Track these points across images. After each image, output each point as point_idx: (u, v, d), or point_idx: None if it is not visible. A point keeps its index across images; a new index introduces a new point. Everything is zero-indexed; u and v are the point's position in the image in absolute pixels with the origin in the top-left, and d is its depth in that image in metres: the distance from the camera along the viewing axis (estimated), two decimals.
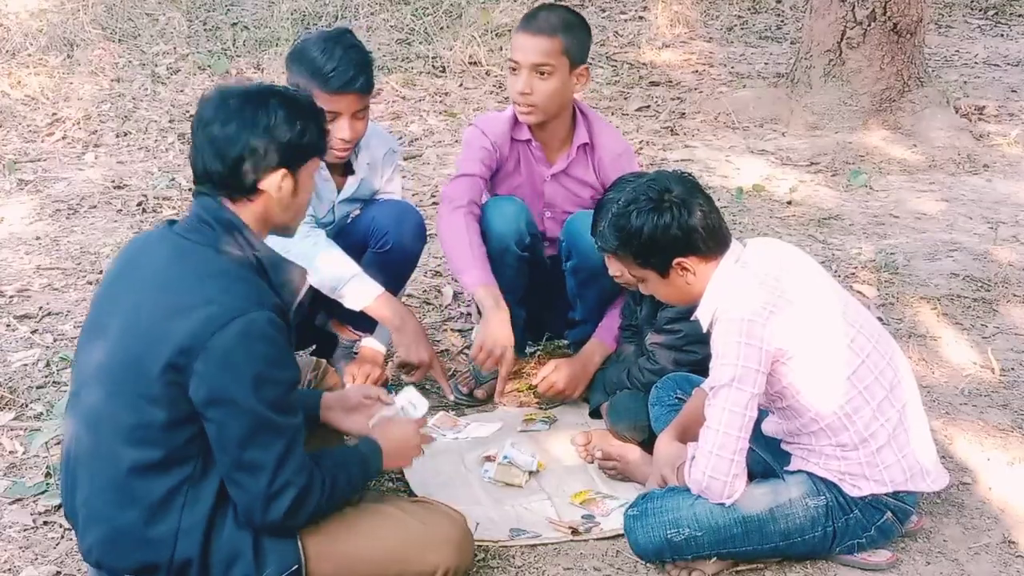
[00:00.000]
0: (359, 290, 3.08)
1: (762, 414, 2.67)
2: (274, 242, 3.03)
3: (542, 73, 3.17)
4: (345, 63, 3.03)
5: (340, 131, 3.08)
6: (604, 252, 2.71)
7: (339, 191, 3.31)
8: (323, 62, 3.03)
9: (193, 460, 2.24)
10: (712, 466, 2.51)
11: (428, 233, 3.49)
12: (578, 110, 3.34)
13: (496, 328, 3.08)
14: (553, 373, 3.32)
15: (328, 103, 3.02)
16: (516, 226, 3.26)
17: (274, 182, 2.29)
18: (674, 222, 2.52)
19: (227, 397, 2.16)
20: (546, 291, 3.48)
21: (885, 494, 2.59)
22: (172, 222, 2.37)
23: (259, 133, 2.27)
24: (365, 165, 3.32)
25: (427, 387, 3.54)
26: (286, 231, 2.41)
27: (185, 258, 2.26)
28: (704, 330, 2.61)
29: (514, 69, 3.22)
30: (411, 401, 2.68)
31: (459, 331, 3.89)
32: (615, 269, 2.97)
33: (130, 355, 2.22)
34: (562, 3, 3.55)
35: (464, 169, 3.32)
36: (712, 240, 2.56)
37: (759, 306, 2.48)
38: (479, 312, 3.30)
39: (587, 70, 3.27)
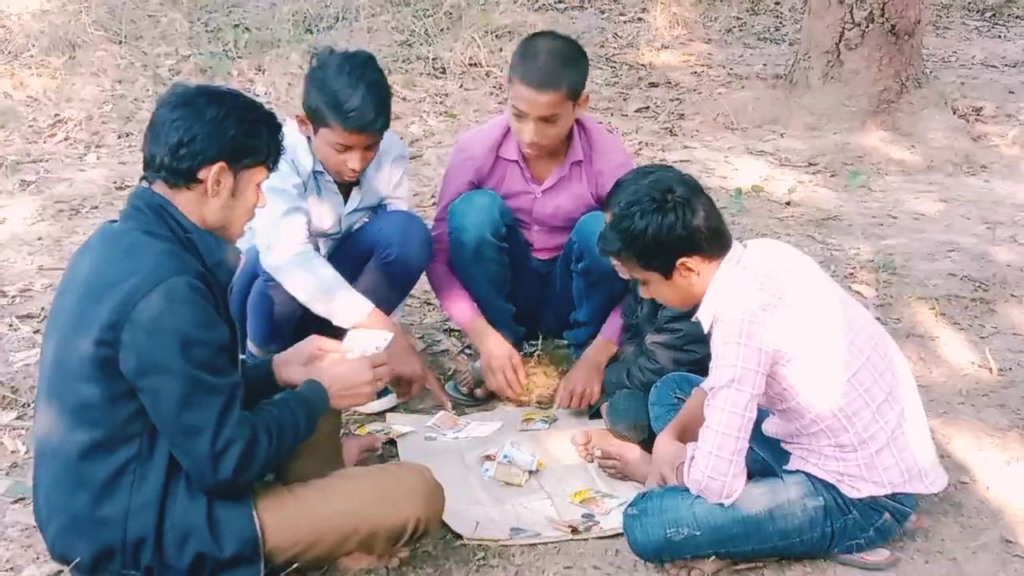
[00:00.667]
0: (350, 307, 3.07)
1: (762, 414, 2.68)
2: (263, 259, 3.07)
3: (551, 123, 3.17)
4: (367, 103, 3.00)
5: (351, 161, 3.09)
6: (607, 255, 2.71)
7: (345, 202, 3.32)
8: (345, 98, 2.99)
9: (138, 438, 2.26)
10: (711, 466, 2.52)
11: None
12: (576, 125, 3.32)
13: (495, 349, 3.29)
14: (566, 385, 3.33)
15: (344, 138, 3.03)
16: (490, 216, 3.27)
17: (212, 174, 2.31)
18: (678, 221, 2.53)
19: (157, 363, 2.19)
20: (537, 292, 3.49)
21: (883, 496, 2.60)
22: (113, 221, 2.41)
23: (203, 122, 2.30)
24: (371, 174, 3.31)
25: (427, 387, 3.56)
26: (223, 232, 2.40)
27: (113, 244, 2.31)
28: (705, 331, 2.62)
29: (518, 116, 3.18)
30: (374, 343, 2.63)
31: (459, 331, 3.90)
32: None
33: (69, 341, 2.26)
34: (559, 33, 3.46)
35: (444, 206, 3.38)
36: (715, 240, 2.57)
37: (758, 307, 2.49)
38: None
39: (587, 96, 3.25)
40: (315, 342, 2.64)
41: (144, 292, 2.19)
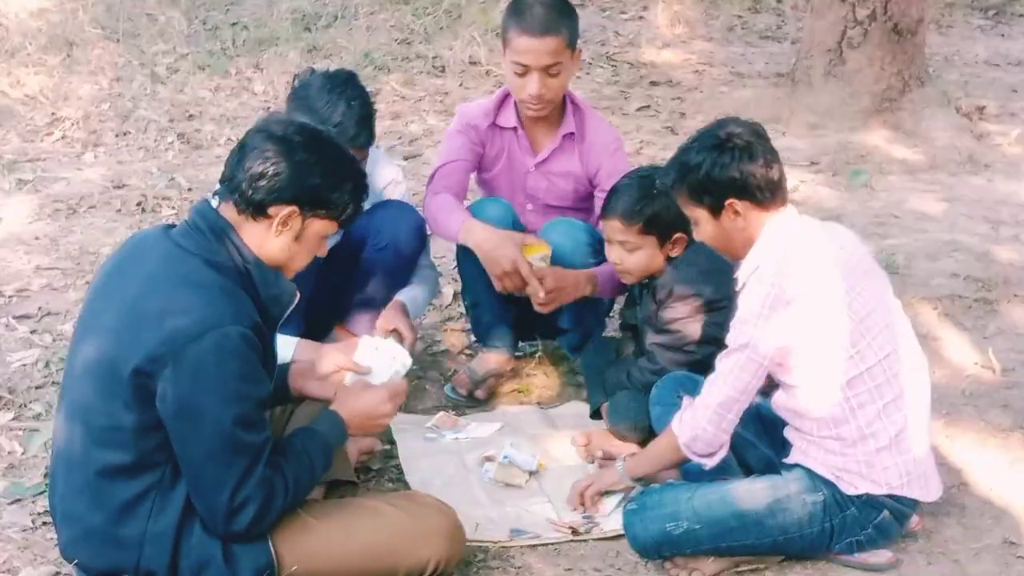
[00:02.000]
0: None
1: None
2: None
3: (552, 73, 3.15)
4: (348, 118, 3.02)
5: None
6: (664, 186, 2.69)
7: None
8: (327, 114, 3.01)
9: (163, 466, 2.25)
10: (710, 419, 2.56)
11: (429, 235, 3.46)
12: (569, 99, 3.32)
13: (493, 249, 3.08)
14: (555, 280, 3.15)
15: None
16: (503, 227, 3.24)
17: (281, 214, 2.30)
18: (733, 163, 2.53)
19: (195, 410, 2.17)
20: None
21: (881, 495, 2.60)
22: (170, 226, 2.38)
23: (291, 162, 2.28)
24: None
25: (427, 388, 3.55)
26: (281, 270, 2.39)
27: (173, 266, 2.26)
28: (738, 287, 2.62)
29: (521, 72, 3.17)
30: (402, 363, 2.60)
31: (459, 331, 3.88)
32: (615, 256, 3.04)
33: (107, 356, 2.23)
34: None
35: (444, 158, 3.33)
36: (768, 190, 2.56)
37: (792, 280, 2.50)
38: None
39: (580, 51, 3.26)
40: (334, 359, 2.62)
41: (197, 334, 2.16)
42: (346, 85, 3.08)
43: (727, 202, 2.55)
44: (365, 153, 3.13)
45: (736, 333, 2.55)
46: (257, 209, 2.29)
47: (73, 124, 5.70)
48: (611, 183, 3.18)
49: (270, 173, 2.27)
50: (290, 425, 2.62)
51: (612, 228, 3.07)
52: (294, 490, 2.31)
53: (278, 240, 2.32)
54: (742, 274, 2.61)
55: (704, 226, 2.64)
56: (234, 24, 7.10)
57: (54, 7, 7.08)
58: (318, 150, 2.32)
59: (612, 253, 3.10)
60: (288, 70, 6.31)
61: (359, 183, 2.40)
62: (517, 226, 3.31)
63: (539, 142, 3.36)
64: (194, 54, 6.60)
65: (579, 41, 3.26)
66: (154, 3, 7.31)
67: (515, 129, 3.33)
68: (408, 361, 2.63)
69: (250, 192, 2.28)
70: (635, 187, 3.03)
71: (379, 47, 6.81)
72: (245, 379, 2.21)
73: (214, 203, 2.36)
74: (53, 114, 5.80)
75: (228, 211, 2.32)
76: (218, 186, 2.38)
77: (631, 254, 3.06)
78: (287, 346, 3.10)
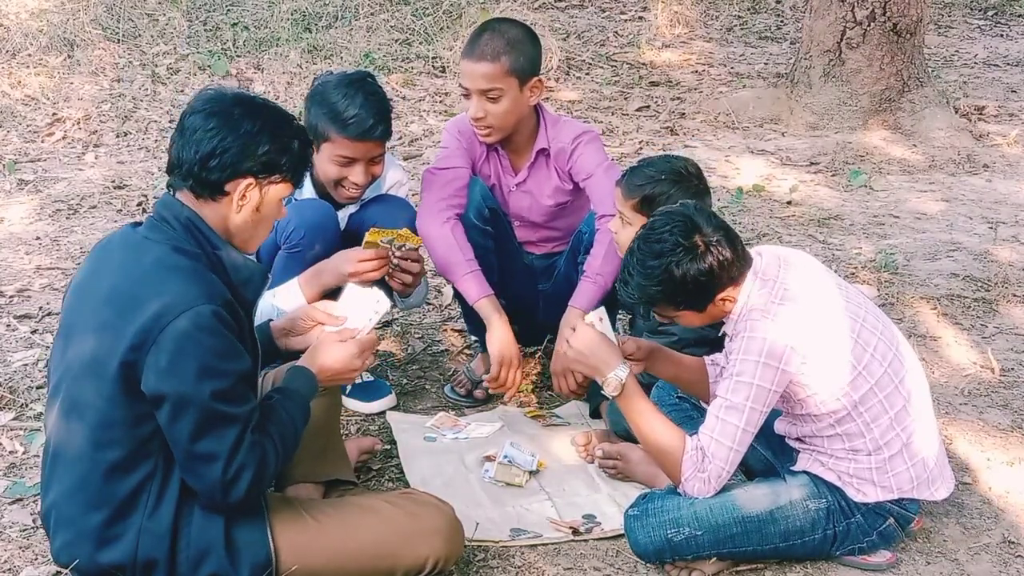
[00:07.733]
0: (285, 294, 3.04)
1: (774, 413, 2.68)
2: None
3: (491, 98, 3.19)
4: (366, 111, 3.04)
5: (355, 175, 3.10)
6: (638, 303, 2.63)
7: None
8: (344, 107, 3.03)
9: (154, 457, 2.25)
10: (717, 478, 2.53)
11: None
12: (541, 114, 3.35)
13: (499, 340, 3.14)
14: (551, 370, 3.18)
15: (347, 149, 3.05)
16: (472, 197, 3.27)
17: (239, 189, 2.30)
18: (715, 261, 2.49)
19: (176, 391, 2.18)
20: (532, 288, 3.47)
21: (889, 500, 2.60)
22: (136, 224, 2.38)
23: (237, 135, 2.28)
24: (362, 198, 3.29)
25: (427, 387, 3.55)
26: (244, 245, 2.39)
27: (140, 257, 2.27)
28: (728, 339, 2.61)
29: (466, 95, 3.24)
30: (374, 309, 2.57)
31: (459, 331, 3.89)
32: (614, 224, 3.02)
33: (90, 356, 2.24)
34: (514, 19, 3.52)
35: (443, 163, 3.31)
36: (743, 264, 2.54)
37: (781, 325, 2.48)
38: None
39: (540, 81, 3.26)
40: (310, 312, 2.62)
41: (172, 317, 2.17)
42: (363, 82, 3.12)
43: (719, 298, 2.54)
44: (383, 147, 3.15)
45: (733, 388, 2.50)
46: (214, 189, 2.30)
47: (74, 124, 5.71)
48: (586, 172, 3.25)
49: (219, 150, 2.27)
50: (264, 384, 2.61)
51: (616, 195, 3.07)
52: (284, 451, 2.32)
53: (240, 215, 2.33)
54: (729, 329, 2.60)
55: (687, 319, 2.60)
56: (234, 25, 7.11)
57: (55, 8, 7.08)
58: (259, 116, 2.32)
59: (614, 221, 3.10)
60: (288, 70, 6.33)
61: (304, 139, 2.40)
62: (486, 197, 3.30)
63: (518, 160, 3.39)
64: (195, 55, 6.61)
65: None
66: (154, 3, 7.32)
67: (498, 150, 3.37)
68: (386, 304, 2.60)
69: (203, 174, 2.28)
70: (651, 167, 3.02)
71: (379, 47, 6.81)
72: (221, 355, 2.21)
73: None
74: (54, 114, 5.81)
75: (187, 198, 2.33)
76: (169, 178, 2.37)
77: (624, 228, 3.04)
78: (290, 292, 3.06)
